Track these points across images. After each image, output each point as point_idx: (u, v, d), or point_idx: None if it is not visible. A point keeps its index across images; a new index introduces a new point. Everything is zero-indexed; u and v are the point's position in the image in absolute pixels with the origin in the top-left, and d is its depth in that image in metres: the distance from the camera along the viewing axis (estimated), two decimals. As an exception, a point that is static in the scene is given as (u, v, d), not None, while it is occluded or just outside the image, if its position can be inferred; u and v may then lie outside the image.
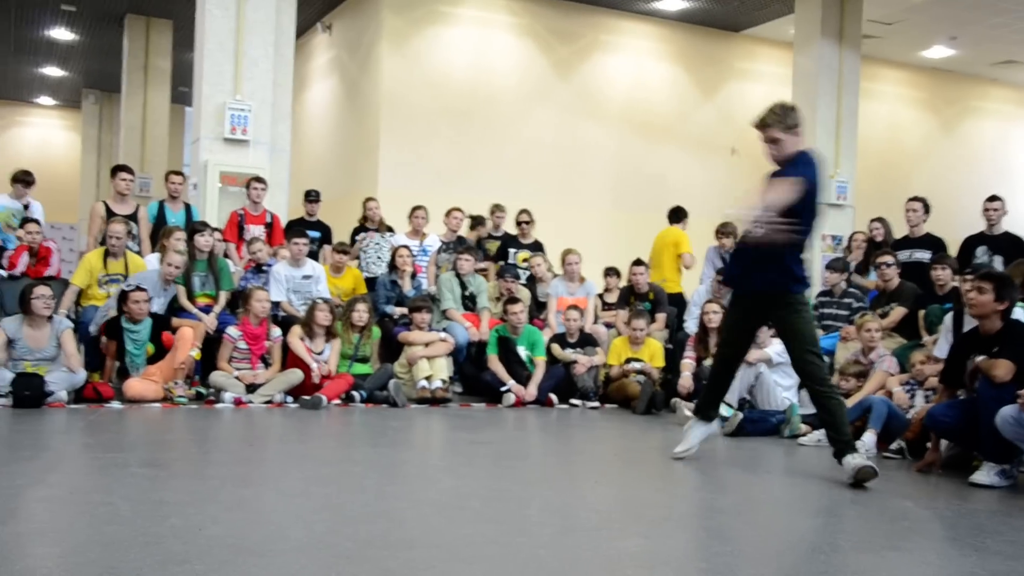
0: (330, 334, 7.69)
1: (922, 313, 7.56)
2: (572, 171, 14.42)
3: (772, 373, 7.11)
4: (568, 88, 14.58)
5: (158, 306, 7.75)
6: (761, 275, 4.93)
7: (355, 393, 7.51)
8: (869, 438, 5.96)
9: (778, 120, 4.76)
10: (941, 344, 6.26)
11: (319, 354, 7.58)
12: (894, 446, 5.93)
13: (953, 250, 8.51)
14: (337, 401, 7.40)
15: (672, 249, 10.26)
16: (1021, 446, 4.80)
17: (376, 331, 8.20)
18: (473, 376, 8.38)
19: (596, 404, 8.12)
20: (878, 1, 13.06)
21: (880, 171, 15.51)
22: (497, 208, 10.20)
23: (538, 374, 8.09)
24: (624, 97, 14.92)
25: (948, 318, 6.39)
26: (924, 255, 8.35)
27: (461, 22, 13.88)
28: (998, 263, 7.98)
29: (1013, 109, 17.90)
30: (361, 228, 9.90)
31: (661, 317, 9.05)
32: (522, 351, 8.20)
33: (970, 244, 8.48)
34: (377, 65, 13.59)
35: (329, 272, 8.74)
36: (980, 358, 5.15)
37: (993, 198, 8.47)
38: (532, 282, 9.45)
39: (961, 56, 16.03)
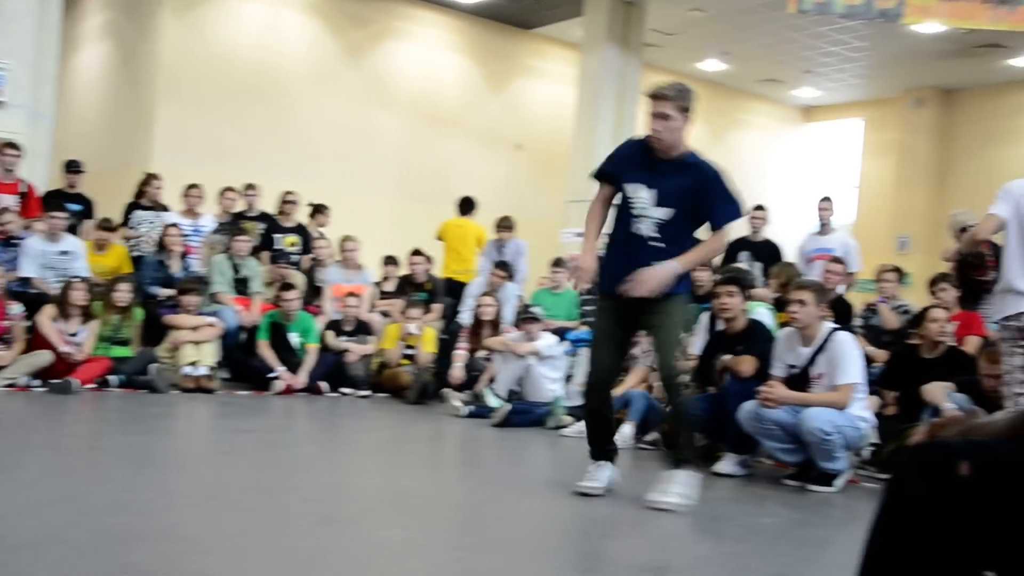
0: (87, 315, 7.23)
1: (683, 311, 7.96)
2: (357, 157, 14.26)
3: (541, 365, 7.30)
4: (358, 73, 14.40)
5: None
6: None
7: (112, 377, 7.11)
8: (628, 430, 6.24)
9: (678, 96, 4.22)
10: (697, 342, 6.62)
11: (73, 335, 7.12)
12: (650, 437, 6.24)
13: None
14: (92, 385, 6.98)
15: (475, 241, 10.28)
16: (758, 438, 5.16)
17: (139, 312, 7.80)
18: (242, 362, 8.12)
19: (367, 393, 8.07)
20: (660, 12, 13.65)
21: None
22: (249, 187, 9.75)
23: (309, 361, 7.95)
24: (414, 86, 14.89)
25: (704, 317, 6.76)
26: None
27: (248, -5, 13.41)
28: (758, 268, 8.54)
29: (772, 123, 19.24)
30: (136, 205, 9.36)
31: (437, 307, 9.11)
32: (294, 338, 8.04)
33: (734, 249, 9.01)
34: (156, 33, 12.92)
35: (91, 249, 8.22)
36: (727, 356, 5.51)
37: (758, 207, 9.04)
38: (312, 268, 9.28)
39: (731, 71, 17.05)
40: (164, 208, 9.32)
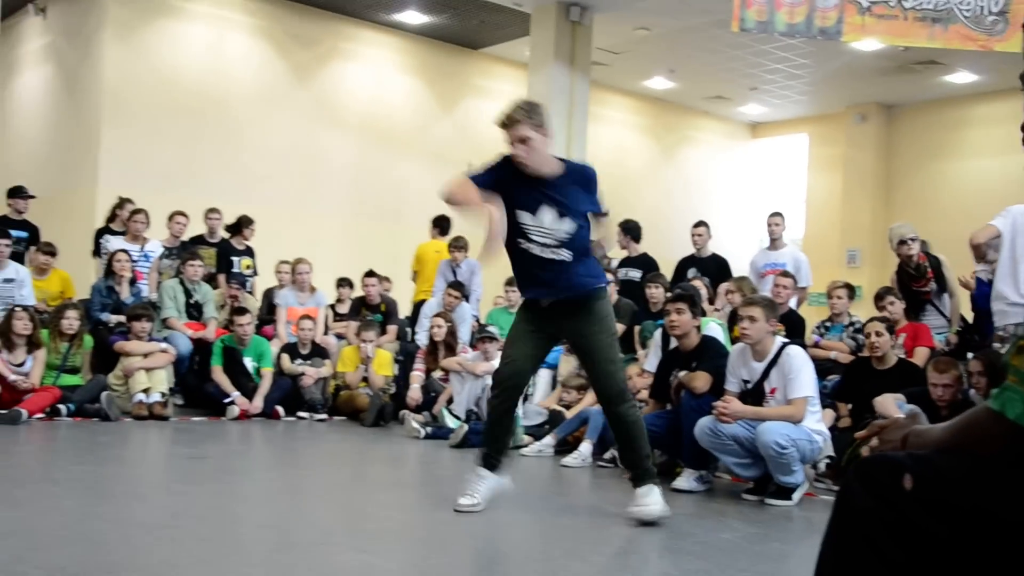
0: (32, 344, 7.09)
1: (638, 329, 8.02)
2: (308, 179, 14.17)
3: (498, 385, 7.29)
4: (307, 94, 14.33)
5: None
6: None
7: (61, 407, 6.97)
8: (586, 448, 6.27)
9: (526, 115, 4.20)
10: (651, 358, 6.66)
11: (19, 366, 6.97)
12: (607, 455, 6.26)
13: (667, 268, 9.10)
14: (40, 415, 6.84)
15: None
16: (715, 454, 5.21)
17: (88, 340, 7.67)
18: (195, 388, 8.03)
19: (324, 416, 8.01)
20: (607, 31, 13.77)
21: (607, 192, 16.30)
22: (212, 211, 9.73)
23: (264, 385, 7.88)
24: (364, 107, 14.85)
25: (658, 334, 6.79)
26: (637, 274, 8.89)
27: (193, 18, 13.29)
28: (706, 283, 8.63)
29: (720, 140, 19.45)
30: (106, 230, 9.26)
31: (392, 329, 9.08)
32: (248, 362, 7.96)
33: (683, 266, 9.12)
34: (99, 56, 12.75)
35: (33, 274, 8.08)
36: (682, 373, 5.56)
37: (699, 224, 9.16)
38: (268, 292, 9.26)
39: (678, 88, 17.23)
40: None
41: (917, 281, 7.45)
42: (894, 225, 7.86)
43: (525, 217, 4.30)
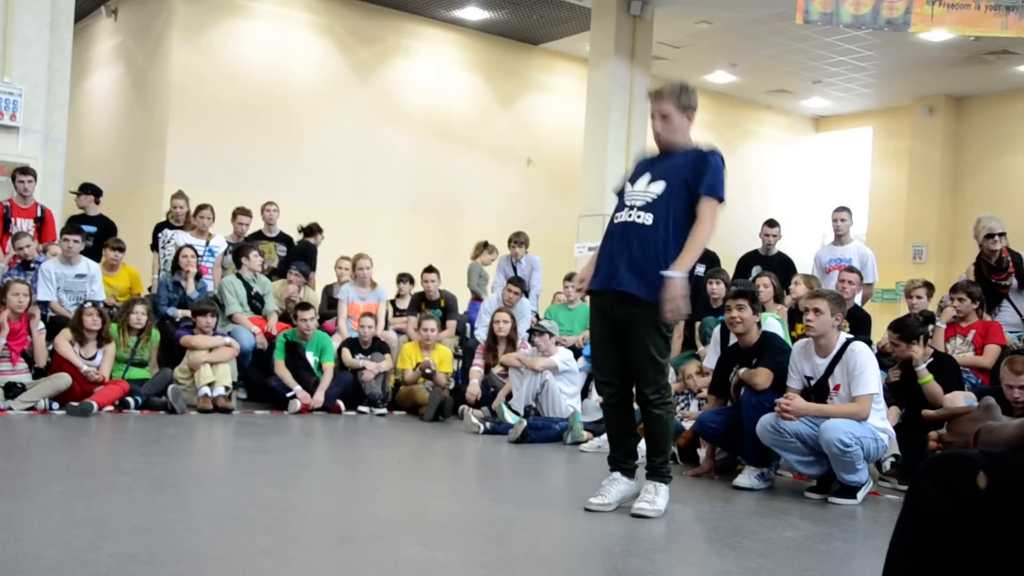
0: (102, 338, 7.26)
1: (698, 325, 7.94)
2: (369, 174, 14.32)
3: (557, 380, 7.29)
4: (367, 91, 14.47)
5: None
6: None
7: (130, 399, 7.13)
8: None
9: (674, 94, 4.36)
10: (710, 355, 6.59)
11: (90, 359, 7.15)
12: (667, 451, 6.20)
13: (727, 264, 8.98)
14: (110, 408, 7.00)
15: None
16: (777, 451, 5.13)
17: (155, 334, 7.83)
18: (258, 382, 8.15)
19: (384, 411, 8.08)
20: (667, 25, 13.68)
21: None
22: (269, 204, 9.90)
23: (326, 380, 7.97)
24: (423, 103, 14.95)
25: (717, 330, 6.72)
26: (701, 268, 8.78)
27: (258, 16, 13.50)
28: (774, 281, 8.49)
29: (782, 134, 19.20)
30: (165, 224, 9.47)
31: (451, 324, 9.12)
32: (310, 357, 8.06)
33: (746, 262, 8.99)
34: (167, 55, 13.02)
35: (103, 270, 8.27)
36: (743, 369, 5.49)
37: (772, 223, 8.99)
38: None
39: (740, 82, 17.04)
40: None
41: (997, 274, 7.29)
42: (983, 216, 7.65)
43: (628, 186, 4.44)
